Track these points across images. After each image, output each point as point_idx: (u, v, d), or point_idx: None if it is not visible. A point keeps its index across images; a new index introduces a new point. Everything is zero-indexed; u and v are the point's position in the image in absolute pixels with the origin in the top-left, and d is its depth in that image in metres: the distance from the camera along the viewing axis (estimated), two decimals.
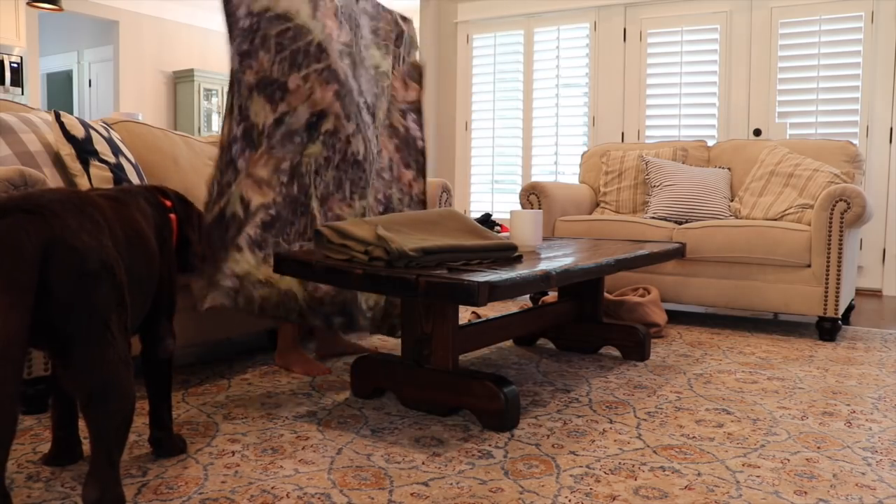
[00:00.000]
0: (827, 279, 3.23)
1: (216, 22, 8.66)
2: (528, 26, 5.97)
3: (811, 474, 1.69)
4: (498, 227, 5.02)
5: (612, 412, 2.14)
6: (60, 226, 1.28)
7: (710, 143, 5.19)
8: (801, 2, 4.97)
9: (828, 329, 3.23)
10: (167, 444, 1.72)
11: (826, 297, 3.24)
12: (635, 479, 1.64)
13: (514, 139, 6.07)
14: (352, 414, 2.09)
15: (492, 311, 3.81)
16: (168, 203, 1.78)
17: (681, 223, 3.77)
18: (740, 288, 3.43)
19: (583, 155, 4.57)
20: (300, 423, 2.00)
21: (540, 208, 3.95)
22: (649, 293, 3.43)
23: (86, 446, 1.75)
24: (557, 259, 2.17)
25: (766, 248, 3.34)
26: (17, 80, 6.36)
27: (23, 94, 6.40)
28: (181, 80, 8.18)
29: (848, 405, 2.25)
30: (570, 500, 1.52)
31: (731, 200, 3.93)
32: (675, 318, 3.81)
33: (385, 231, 1.95)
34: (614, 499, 1.54)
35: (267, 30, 2.22)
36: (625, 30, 5.59)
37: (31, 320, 1.22)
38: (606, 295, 3.35)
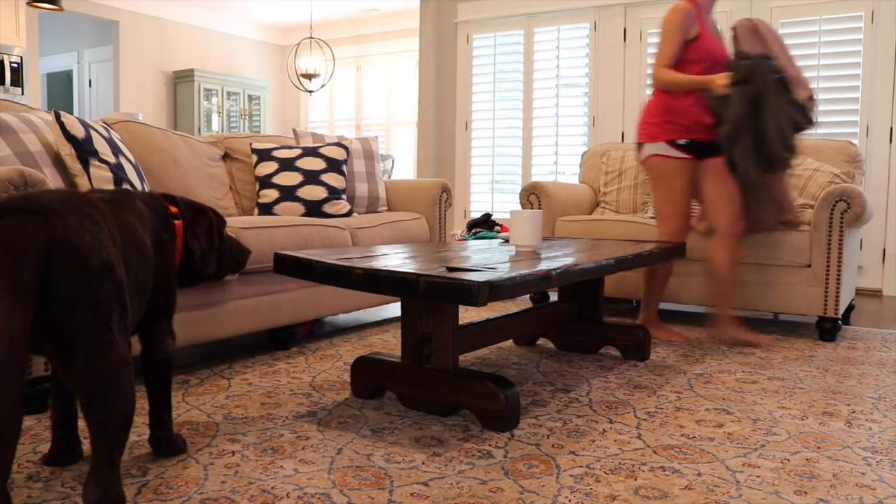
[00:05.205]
0: (827, 279, 3.23)
1: (216, 22, 8.66)
2: (528, 26, 5.97)
3: (811, 474, 1.69)
4: (498, 227, 5.02)
5: (612, 412, 2.14)
6: (63, 225, 1.28)
7: None
8: (801, 2, 4.97)
9: (828, 329, 3.23)
10: (167, 444, 1.72)
11: (826, 297, 3.24)
12: (635, 479, 1.64)
13: (514, 139, 6.07)
14: (352, 414, 2.09)
15: (492, 311, 3.81)
16: (174, 209, 1.76)
17: None
18: (740, 288, 3.43)
19: (583, 155, 4.57)
20: (300, 423, 2.00)
21: (540, 208, 3.95)
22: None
23: (86, 446, 1.75)
24: (557, 259, 2.17)
25: (766, 248, 3.34)
26: (17, 80, 6.36)
27: (23, 94, 6.40)
28: (181, 80, 8.19)
29: (848, 405, 2.25)
30: (570, 500, 1.52)
31: None
32: (675, 318, 3.81)
33: None
34: (614, 499, 1.54)
35: None
36: (625, 30, 5.60)
37: (35, 320, 1.22)
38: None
